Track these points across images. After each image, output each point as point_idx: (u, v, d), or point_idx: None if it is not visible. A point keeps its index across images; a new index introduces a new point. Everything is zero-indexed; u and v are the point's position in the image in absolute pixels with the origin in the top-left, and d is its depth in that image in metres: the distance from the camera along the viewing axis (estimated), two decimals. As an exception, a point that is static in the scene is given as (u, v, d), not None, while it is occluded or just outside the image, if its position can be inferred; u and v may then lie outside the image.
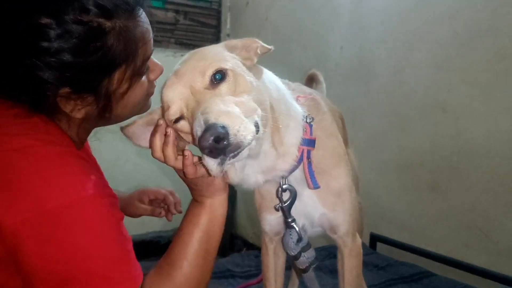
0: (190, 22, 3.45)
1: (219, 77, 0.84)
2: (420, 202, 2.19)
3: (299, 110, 1.02)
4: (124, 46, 0.84)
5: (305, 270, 1.07)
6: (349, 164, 1.12)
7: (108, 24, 0.82)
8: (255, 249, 2.64)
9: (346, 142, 1.30)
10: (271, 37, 3.02)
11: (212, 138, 0.71)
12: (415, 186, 2.21)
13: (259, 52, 0.95)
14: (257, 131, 0.80)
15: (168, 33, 3.36)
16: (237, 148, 0.74)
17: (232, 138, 0.72)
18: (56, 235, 0.78)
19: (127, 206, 1.34)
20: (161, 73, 1.00)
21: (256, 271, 2.00)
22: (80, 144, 0.97)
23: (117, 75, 0.86)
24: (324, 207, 1.07)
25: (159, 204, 1.39)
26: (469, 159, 1.96)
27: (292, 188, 1.02)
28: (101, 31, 0.81)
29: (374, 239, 2.36)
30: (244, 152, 0.77)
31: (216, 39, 3.57)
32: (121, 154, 3.20)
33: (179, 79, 0.86)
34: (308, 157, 0.99)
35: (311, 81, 1.76)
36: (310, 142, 1.00)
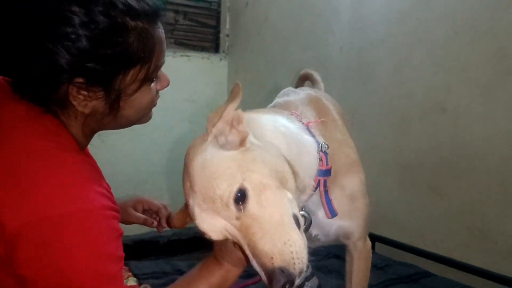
0: (190, 22, 3.45)
1: (241, 195, 0.76)
2: (419, 202, 2.19)
3: (311, 142, 0.97)
4: (143, 47, 0.88)
5: None
6: (362, 169, 1.10)
7: (132, 23, 0.86)
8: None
9: None
10: (270, 38, 3.02)
11: (279, 286, 0.71)
12: (414, 186, 2.21)
13: (239, 120, 0.83)
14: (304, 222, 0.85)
15: (168, 33, 3.35)
16: (301, 274, 0.74)
17: (293, 270, 0.72)
18: (55, 242, 0.78)
19: (120, 212, 1.34)
20: (167, 85, 1.03)
21: (254, 271, 1.99)
22: (83, 146, 0.97)
23: (131, 73, 0.88)
24: (341, 220, 1.05)
25: (151, 215, 1.40)
26: (469, 160, 1.96)
27: (308, 216, 0.96)
28: (124, 27, 0.85)
29: (373, 239, 2.35)
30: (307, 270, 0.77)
31: (216, 39, 3.57)
32: (119, 153, 3.20)
33: (203, 211, 0.78)
34: (325, 186, 0.96)
35: (303, 81, 1.75)
36: (326, 172, 0.96)
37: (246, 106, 0.90)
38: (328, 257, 2.29)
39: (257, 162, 0.78)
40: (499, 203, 1.86)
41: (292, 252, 0.72)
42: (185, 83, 3.29)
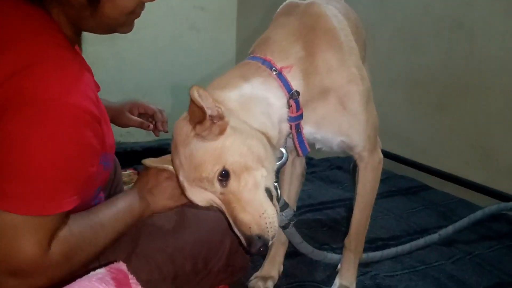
0: None
1: (224, 174, 0.89)
2: (426, 119, 2.20)
3: (277, 96, 1.02)
4: None
5: (285, 227, 1.13)
6: (363, 84, 1.08)
7: None
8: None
9: (363, 58, 1.25)
10: None
11: (256, 249, 0.88)
12: (422, 103, 2.21)
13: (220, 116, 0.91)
14: (276, 193, 0.97)
15: None
16: (273, 237, 0.91)
17: (268, 237, 0.89)
18: (22, 118, 0.74)
19: (116, 116, 1.35)
20: None
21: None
22: (73, 44, 0.92)
23: None
24: (341, 136, 1.09)
25: (147, 118, 1.41)
26: (480, 78, 1.93)
27: (286, 154, 1.07)
28: None
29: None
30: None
31: None
32: (128, 61, 3.18)
33: (192, 186, 0.92)
34: (297, 129, 1.04)
35: None
36: (297, 118, 1.03)
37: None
38: (330, 168, 2.37)
39: (234, 147, 0.90)
40: (505, 122, 1.87)
41: (266, 223, 0.88)
42: (193, -11, 3.18)
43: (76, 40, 0.94)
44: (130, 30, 0.95)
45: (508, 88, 1.83)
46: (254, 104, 1.00)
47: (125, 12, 0.87)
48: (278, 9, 1.19)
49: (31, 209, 0.74)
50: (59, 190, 0.77)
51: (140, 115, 1.41)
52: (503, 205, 1.71)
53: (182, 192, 0.95)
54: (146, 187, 1.03)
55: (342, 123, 1.08)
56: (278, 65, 1.03)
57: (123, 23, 0.91)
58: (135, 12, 0.91)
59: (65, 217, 0.81)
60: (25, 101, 0.74)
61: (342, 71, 1.06)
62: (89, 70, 0.91)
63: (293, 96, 1.02)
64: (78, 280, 0.73)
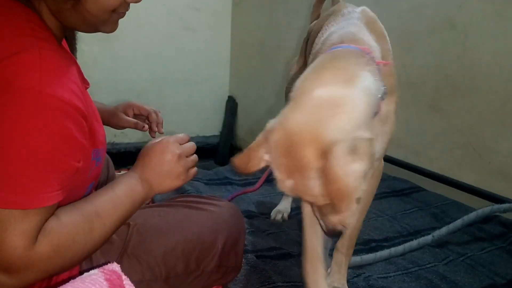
0: None
1: None
2: (418, 120, 2.21)
3: (378, 92, 0.90)
4: None
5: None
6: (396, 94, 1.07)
7: None
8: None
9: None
10: None
11: (331, 236, 0.93)
12: (415, 104, 2.22)
13: None
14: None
15: None
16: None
17: (344, 230, 0.89)
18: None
19: (111, 117, 1.35)
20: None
21: (253, 179, 2.08)
22: (59, 40, 0.90)
23: None
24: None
25: (143, 120, 1.40)
26: (473, 79, 1.95)
27: None
28: None
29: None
30: None
31: None
32: (122, 61, 3.17)
33: (288, 177, 0.81)
34: None
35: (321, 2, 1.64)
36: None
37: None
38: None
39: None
40: (497, 123, 1.88)
41: (348, 223, 0.86)
42: (188, -11, 3.18)
43: (61, 35, 0.91)
44: (114, 29, 0.92)
45: (501, 88, 1.85)
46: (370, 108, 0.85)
47: (107, 9, 0.84)
48: (328, 13, 1.18)
49: (10, 203, 0.71)
50: (39, 183, 0.74)
51: (135, 116, 1.40)
52: (496, 207, 1.72)
53: (188, 169, 0.94)
54: (148, 167, 0.96)
55: (381, 130, 1.03)
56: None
57: (105, 21, 0.88)
58: (118, 11, 0.88)
59: (53, 208, 0.78)
60: (1, 89, 0.71)
61: (394, 79, 1.06)
62: (75, 64, 0.89)
63: (383, 96, 0.92)
64: (71, 281, 0.72)
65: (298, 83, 0.86)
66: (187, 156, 1.00)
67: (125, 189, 0.91)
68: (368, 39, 1.01)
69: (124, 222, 0.91)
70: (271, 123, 0.84)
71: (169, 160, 0.96)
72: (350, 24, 1.06)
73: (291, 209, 1.79)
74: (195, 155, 1.03)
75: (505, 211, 1.72)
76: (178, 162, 0.97)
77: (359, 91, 0.82)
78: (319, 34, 1.18)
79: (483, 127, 1.94)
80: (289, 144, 0.78)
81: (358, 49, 0.93)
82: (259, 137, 0.86)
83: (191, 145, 1.02)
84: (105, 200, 0.87)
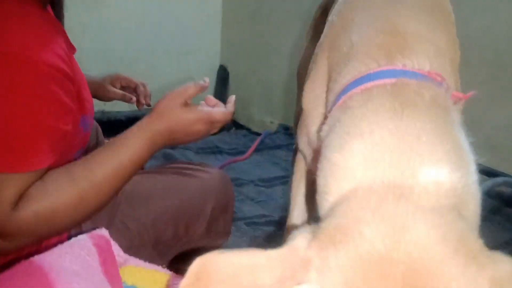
0: None
1: None
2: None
3: None
4: None
5: None
6: None
7: None
8: (244, 129, 2.72)
9: None
10: None
11: None
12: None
13: None
14: None
15: None
16: None
17: None
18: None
19: (98, 89, 1.33)
20: None
21: (243, 148, 2.09)
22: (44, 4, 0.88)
23: None
24: None
25: (130, 92, 1.39)
26: (462, 52, 1.94)
27: None
28: None
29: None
30: None
31: None
32: (112, 28, 3.12)
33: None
34: None
35: None
36: None
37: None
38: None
39: None
40: (488, 96, 1.89)
41: None
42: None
43: (46, 2, 0.89)
44: None
45: (489, 63, 1.85)
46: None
47: None
48: None
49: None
50: (29, 146, 0.74)
51: (122, 88, 1.38)
52: (491, 182, 1.72)
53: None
54: (166, 132, 0.90)
55: None
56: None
57: None
58: None
59: (41, 172, 0.77)
60: None
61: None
62: (61, 30, 0.88)
63: None
64: (60, 246, 0.73)
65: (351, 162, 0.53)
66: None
67: (131, 159, 0.86)
68: (433, 40, 0.61)
69: (122, 188, 0.89)
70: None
71: (200, 132, 0.95)
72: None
73: (281, 176, 1.80)
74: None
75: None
76: (207, 133, 0.97)
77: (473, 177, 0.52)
78: (338, 16, 0.80)
79: (473, 101, 1.94)
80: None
81: (423, 78, 0.55)
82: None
83: (224, 115, 0.99)
84: (106, 168, 0.84)
